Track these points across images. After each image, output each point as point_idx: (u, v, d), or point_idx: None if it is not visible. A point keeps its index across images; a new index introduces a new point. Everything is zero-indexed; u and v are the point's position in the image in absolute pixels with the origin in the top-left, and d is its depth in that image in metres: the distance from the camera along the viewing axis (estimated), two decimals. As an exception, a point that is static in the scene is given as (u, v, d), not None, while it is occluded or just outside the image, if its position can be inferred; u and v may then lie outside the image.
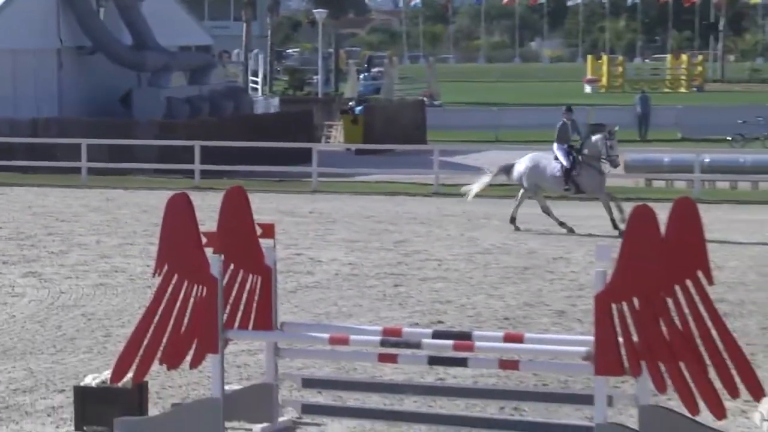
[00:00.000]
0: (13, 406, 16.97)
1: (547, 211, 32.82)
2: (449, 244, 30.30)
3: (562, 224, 32.34)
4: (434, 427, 15.59)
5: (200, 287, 15.32)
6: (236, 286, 15.69)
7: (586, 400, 14.82)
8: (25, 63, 49.26)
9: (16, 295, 24.54)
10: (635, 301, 14.02)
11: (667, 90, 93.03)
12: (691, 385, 14.01)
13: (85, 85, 50.84)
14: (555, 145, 33.16)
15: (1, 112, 47.13)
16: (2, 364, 19.22)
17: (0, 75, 48.22)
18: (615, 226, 31.22)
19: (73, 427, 15.83)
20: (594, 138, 32.57)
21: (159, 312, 15.48)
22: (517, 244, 30.34)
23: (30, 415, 16.54)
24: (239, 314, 15.68)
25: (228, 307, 15.57)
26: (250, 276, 15.73)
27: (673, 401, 14.63)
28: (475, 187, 34.08)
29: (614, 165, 33.09)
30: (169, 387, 17.35)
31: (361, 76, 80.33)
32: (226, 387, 15.64)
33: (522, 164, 33.40)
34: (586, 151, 32.70)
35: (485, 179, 34.03)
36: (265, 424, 15.74)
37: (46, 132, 46.03)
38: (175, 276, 15.46)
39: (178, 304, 15.44)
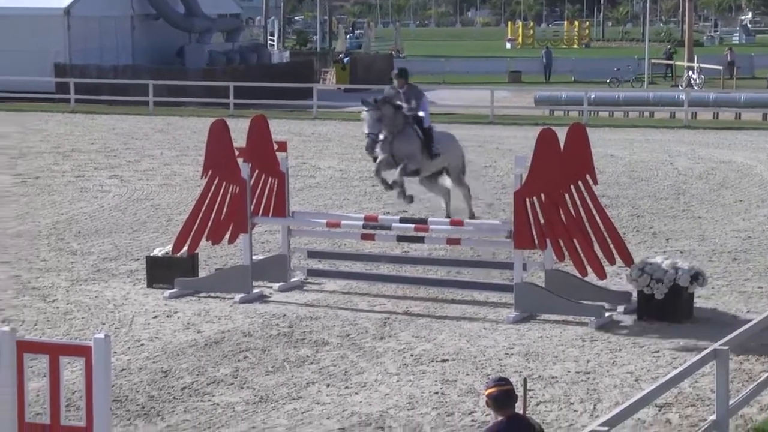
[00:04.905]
0: (103, 269, 16.96)
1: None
2: (410, 156, 30.17)
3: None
4: (401, 285, 15.64)
5: (234, 186, 15.30)
6: (260, 185, 15.67)
7: (508, 266, 14.90)
8: (109, 26, 48.79)
9: (104, 191, 24.46)
10: (542, 196, 14.05)
11: (564, 46, 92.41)
12: (581, 255, 14.07)
13: (151, 42, 50.36)
14: None
15: (92, 61, 46.77)
16: (95, 240, 19.19)
17: (91, 35, 47.83)
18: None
19: (145, 285, 15.84)
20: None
21: (205, 204, 15.49)
22: (458, 155, 30.20)
23: (115, 276, 16.54)
24: (262, 205, 15.68)
25: (254, 200, 15.56)
26: (270, 178, 15.71)
27: (568, 267, 14.69)
28: None
29: None
30: (213, 257, 17.35)
31: (348, 36, 79.54)
32: (254, 257, 15.66)
33: None
34: None
35: None
36: (281, 283, 15.78)
37: (124, 75, 45.67)
38: (217, 178, 15.44)
39: (218, 198, 15.44)
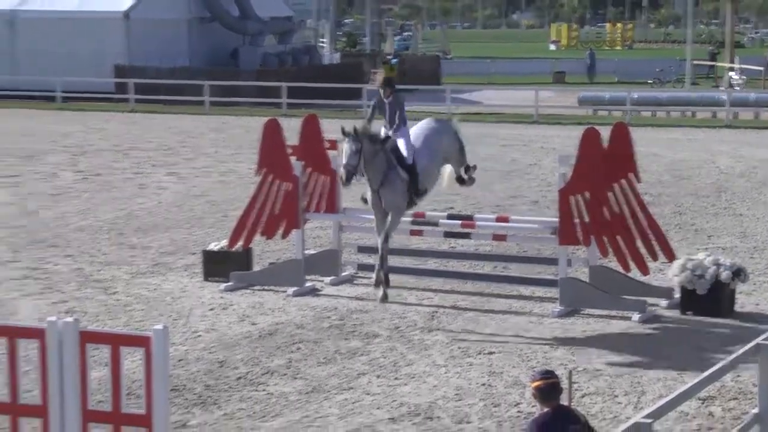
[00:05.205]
0: (161, 263, 17.08)
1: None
2: (457, 154, 30.08)
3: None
4: (448, 280, 15.61)
5: (287, 183, 15.33)
6: (312, 182, 15.69)
7: (553, 262, 14.83)
8: (166, 28, 49.06)
9: (162, 188, 24.62)
10: (586, 194, 13.96)
11: (607, 48, 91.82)
12: (625, 251, 13.98)
13: (206, 43, 50.62)
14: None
15: (150, 62, 47.06)
16: (154, 234, 19.32)
17: (149, 37, 48.12)
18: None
19: (201, 279, 15.92)
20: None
21: (259, 200, 15.53)
22: (504, 154, 30.17)
23: (173, 270, 16.64)
24: (314, 202, 15.69)
25: (306, 197, 15.58)
26: (321, 176, 15.71)
27: (612, 263, 14.60)
28: None
29: None
30: (267, 251, 17.39)
31: (396, 38, 79.54)
32: (306, 251, 15.69)
33: None
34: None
35: None
36: (332, 277, 15.79)
37: (180, 76, 45.93)
38: (270, 175, 15.49)
39: (272, 195, 15.48)
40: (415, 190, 14.03)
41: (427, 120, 14.75)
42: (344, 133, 13.64)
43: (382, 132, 13.97)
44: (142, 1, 48.57)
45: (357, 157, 13.48)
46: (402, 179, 13.86)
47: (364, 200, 14.29)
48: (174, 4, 49.49)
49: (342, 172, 13.58)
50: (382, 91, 14.25)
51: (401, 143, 13.94)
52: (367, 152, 13.56)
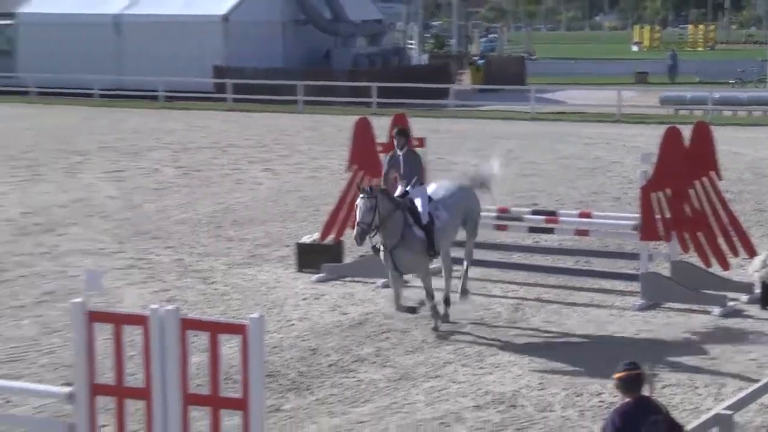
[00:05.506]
0: (257, 255, 17.24)
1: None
2: (541, 152, 29.96)
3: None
4: (532, 273, 15.52)
5: (376, 179, 15.31)
6: (401, 178, 15.63)
7: (634, 257, 14.67)
8: (262, 30, 49.45)
9: (258, 183, 24.84)
10: (668, 191, 13.79)
11: (689, 49, 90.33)
12: (706, 247, 13.78)
13: (300, 45, 50.92)
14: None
15: (247, 63, 47.47)
16: (250, 227, 19.52)
17: (246, 39, 48.56)
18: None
19: (295, 270, 16.04)
20: None
21: (350, 195, 15.57)
22: (587, 152, 29.88)
23: (268, 261, 16.79)
24: (403, 197, 15.64)
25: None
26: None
27: (693, 258, 14.38)
28: None
29: None
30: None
31: (482, 40, 79.19)
32: (395, 245, 15.66)
33: None
34: None
35: None
36: (420, 270, 15.73)
37: (276, 76, 46.27)
38: (361, 172, 15.53)
39: (363, 190, 15.47)
40: (433, 250, 13.20)
41: (453, 182, 14.07)
42: (359, 188, 13.19)
43: (399, 189, 13.28)
44: (240, 4, 49.06)
45: (371, 214, 12.67)
46: (419, 239, 13.02)
47: (375, 249, 13.30)
48: (270, 8, 49.90)
49: (356, 229, 12.77)
50: (396, 142, 13.55)
51: (418, 202, 13.16)
52: (382, 210, 12.74)
